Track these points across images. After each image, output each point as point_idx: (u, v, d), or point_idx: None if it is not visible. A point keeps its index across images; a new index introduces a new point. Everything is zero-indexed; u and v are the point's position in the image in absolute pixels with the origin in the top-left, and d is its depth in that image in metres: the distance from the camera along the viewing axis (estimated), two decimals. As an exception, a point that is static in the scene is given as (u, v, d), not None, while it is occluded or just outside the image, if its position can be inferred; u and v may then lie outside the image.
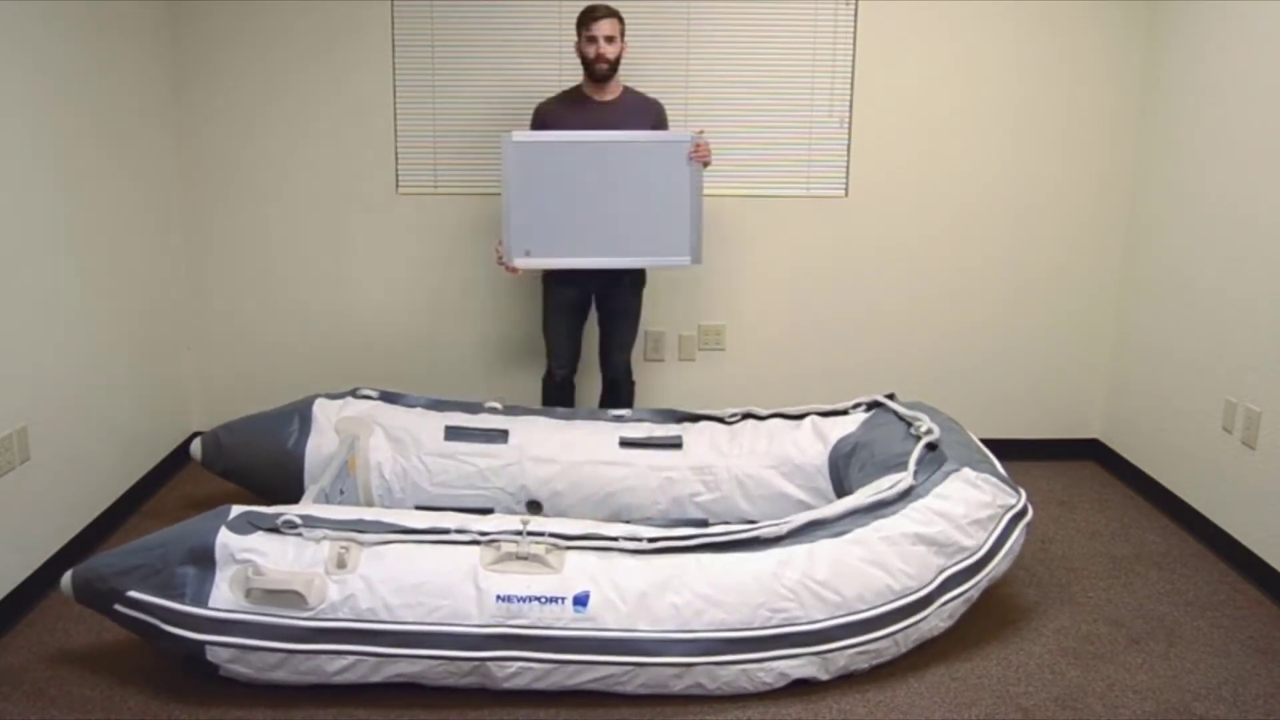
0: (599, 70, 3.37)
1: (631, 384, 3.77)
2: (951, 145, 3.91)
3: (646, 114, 3.48)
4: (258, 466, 3.28)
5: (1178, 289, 3.59)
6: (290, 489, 3.23)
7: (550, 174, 3.29)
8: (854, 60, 3.83)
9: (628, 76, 3.51)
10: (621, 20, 3.39)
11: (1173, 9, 3.65)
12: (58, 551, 2.99)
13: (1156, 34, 3.76)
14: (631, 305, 3.65)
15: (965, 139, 3.90)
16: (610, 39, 3.35)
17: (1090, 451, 4.18)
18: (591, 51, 3.36)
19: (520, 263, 3.35)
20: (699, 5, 3.78)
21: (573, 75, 3.77)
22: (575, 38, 3.42)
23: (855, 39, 3.82)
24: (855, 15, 3.80)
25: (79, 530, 3.12)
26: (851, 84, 3.85)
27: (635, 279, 3.63)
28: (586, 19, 3.38)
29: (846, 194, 3.94)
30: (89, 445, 3.19)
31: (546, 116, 3.45)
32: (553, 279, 3.59)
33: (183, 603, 2.35)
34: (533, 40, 3.78)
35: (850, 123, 3.88)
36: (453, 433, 3.29)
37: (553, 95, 3.52)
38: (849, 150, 3.90)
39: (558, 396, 3.73)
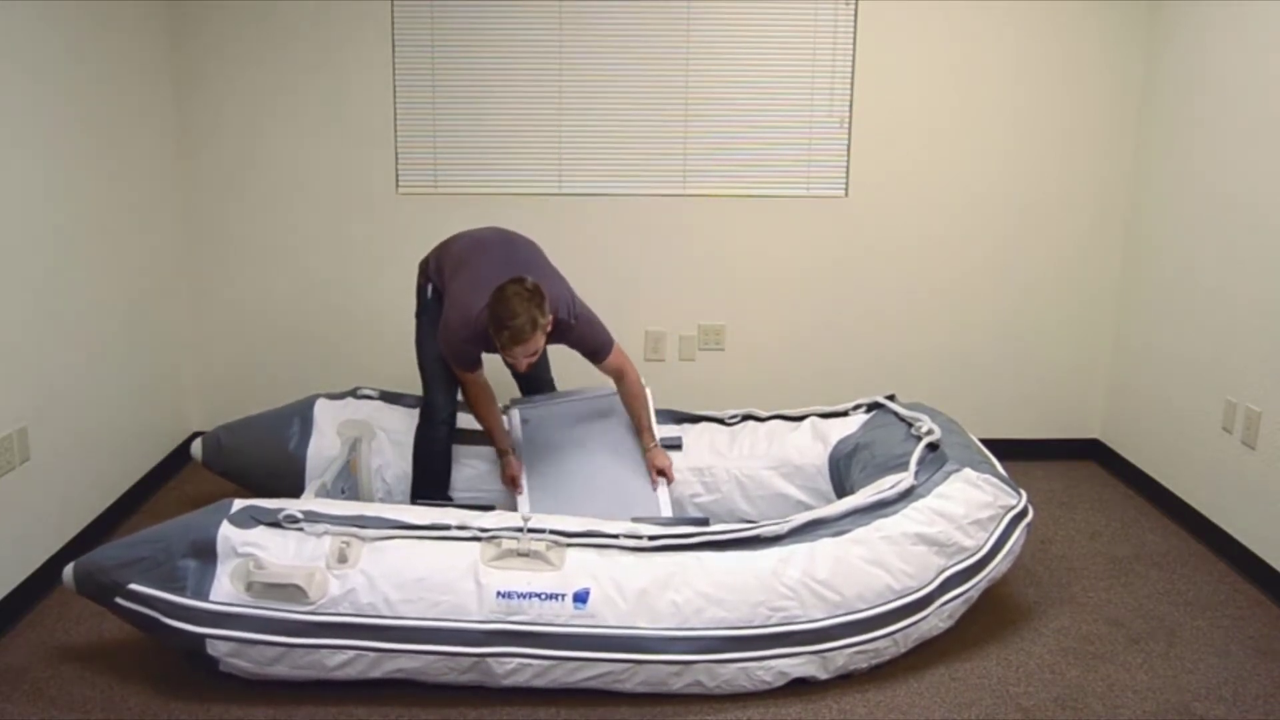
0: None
1: None
2: (952, 145, 3.91)
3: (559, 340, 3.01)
4: (258, 468, 3.27)
5: (1178, 289, 3.60)
6: (291, 491, 3.22)
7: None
8: (854, 60, 3.83)
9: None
10: (544, 312, 2.71)
11: (1173, 9, 3.66)
12: (58, 551, 2.99)
13: (1156, 34, 3.77)
14: None
15: (965, 139, 3.90)
16: (533, 354, 2.77)
17: (1090, 451, 4.18)
18: (510, 364, 2.80)
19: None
20: (699, 5, 3.78)
21: (572, 79, 3.79)
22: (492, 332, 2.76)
23: (855, 39, 3.82)
24: (855, 15, 3.81)
25: (79, 530, 3.12)
26: (851, 84, 3.85)
27: None
28: (501, 337, 2.70)
29: (846, 194, 3.94)
30: (89, 445, 3.19)
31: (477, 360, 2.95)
32: (434, 300, 3.09)
33: (184, 595, 2.35)
34: (533, 40, 3.78)
35: (850, 123, 3.88)
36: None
37: (479, 324, 2.83)
38: (849, 150, 3.90)
39: (438, 461, 3.17)
